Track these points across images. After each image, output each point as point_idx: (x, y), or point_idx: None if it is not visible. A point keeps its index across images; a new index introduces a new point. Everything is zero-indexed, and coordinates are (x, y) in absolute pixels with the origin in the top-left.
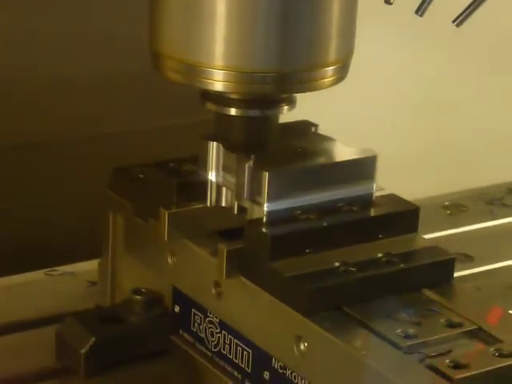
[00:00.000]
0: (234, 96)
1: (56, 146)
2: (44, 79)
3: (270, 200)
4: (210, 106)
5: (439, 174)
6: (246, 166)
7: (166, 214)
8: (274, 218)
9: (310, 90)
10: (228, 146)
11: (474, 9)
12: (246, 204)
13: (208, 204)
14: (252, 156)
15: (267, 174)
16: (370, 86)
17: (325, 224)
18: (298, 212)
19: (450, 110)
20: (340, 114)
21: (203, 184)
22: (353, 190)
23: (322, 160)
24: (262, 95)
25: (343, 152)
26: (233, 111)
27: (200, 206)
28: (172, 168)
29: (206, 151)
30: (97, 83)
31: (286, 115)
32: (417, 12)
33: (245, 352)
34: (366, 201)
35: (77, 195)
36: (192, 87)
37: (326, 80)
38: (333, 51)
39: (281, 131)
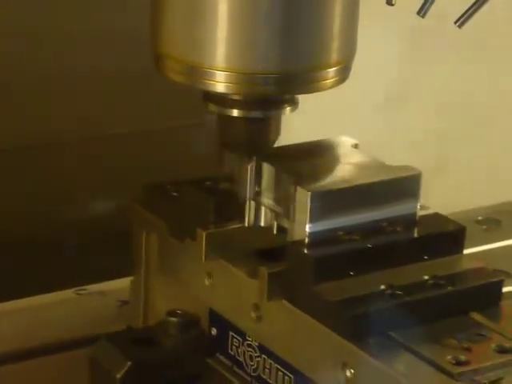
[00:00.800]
0: (236, 97)
1: (55, 147)
2: (42, 79)
3: (312, 220)
4: (212, 107)
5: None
6: (289, 183)
7: (203, 235)
8: (317, 240)
9: (311, 91)
10: (228, 147)
11: (476, 9)
12: (287, 224)
13: (246, 224)
14: (294, 175)
15: (310, 193)
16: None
17: (368, 245)
18: (341, 233)
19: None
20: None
21: (241, 203)
22: (396, 209)
23: (364, 179)
24: (265, 96)
25: (386, 170)
26: (235, 112)
27: (238, 225)
28: (208, 186)
29: (243, 169)
30: (97, 84)
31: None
32: (418, 13)
33: (286, 377)
34: (410, 220)
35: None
36: (194, 88)
37: (328, 81)
38: (335, 52)
39: (319, 148)
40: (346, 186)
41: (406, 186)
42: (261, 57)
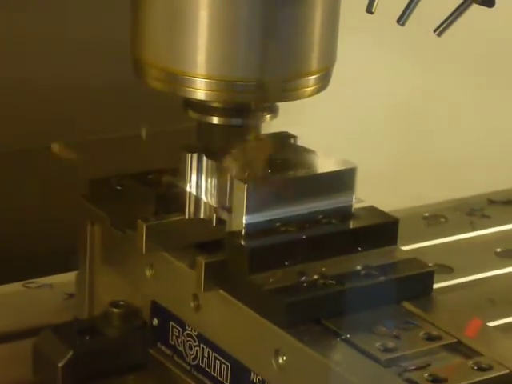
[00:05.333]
0: (216, 104)
1: (43, 152)
2: (32, 87)
3: (249, 212)
4: (192, 114)
5: (418, 186)
6: (227, 177)
7: (143, 226)
8: (253, 231)
9: (291, 99)
10: (209, 155)
11: (456, 18)
12: (225, 216)
13: (186, 216)
14: (232, 168)
15: (246, 185)
16: (351, 95)
17: (304, 236)
18: (278, 224)
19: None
20: (318, 125)
21: (182, 196)
22: (332, 201)
23: (301, 172)
24: (244, 104)
25: (323, 164)
26: (215, 120)
27: (178, 217)
28: (150, 179)
29: (184, 162)
30: (85, 90)
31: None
32: (398, 21)
33: (223, 365)
34: (346, 213)
35: (54, 204)
36: (174, 95)
37: (308, 89)
38: (314, 60)
39: (259, 142)
40: (283, 178)
41: (342, 179)
42: (241, 64)
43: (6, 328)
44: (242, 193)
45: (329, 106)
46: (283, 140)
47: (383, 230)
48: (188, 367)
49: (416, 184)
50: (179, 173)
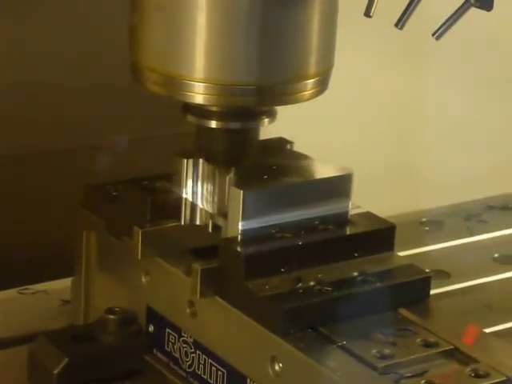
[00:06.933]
0: (214, 108)
1: (42, 157)
2: (29, 90)
3: (244, 218)
4: (190, 118)
5: (415, 191)
6: (223, 183)
7: (139, 232)
8: (249, 237)
9: (290, 103)
10: (207, 159)
11: (454, 21)
12: (221, 222)
13: (182, 222)
14: (231, 173)
15: (242, 192)
16: (346, 100)
17: (300, 243)
18: (274, 230)
19: (430, 125)
20: (314, 129)
21: (177, 202)
22: (328, 208)
23: (297, 178)
24: (243, 108)
25: (319, 170)
26: (213, 124)
27: (174, 224)
28: (146, 185)
29: (180, 168)
30: (84, 94)
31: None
32: (396, 25)
33: (219, 372)
34: (342, 219)
35: (51, 210)
36: (173, 99)
37: (306, 93)
38: (313, 64)
39: (257, 148)
40: (279, 184)
41: (338, 185)
42: (239, 68)
43: (1, 334)
44: (238, 199)
45: (326, 109)
46: (280, 146)
47: (380, 236)
48: (184, 374)
49: (413, 189)
50: (174, 178)
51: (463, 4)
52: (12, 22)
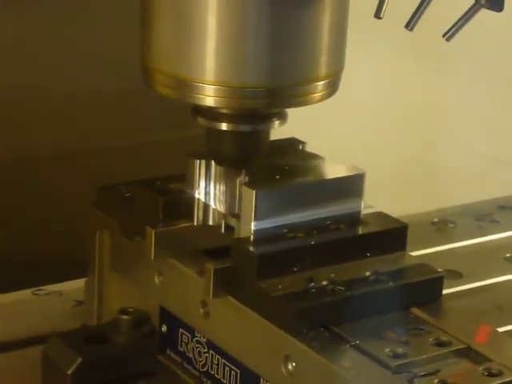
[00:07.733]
0: (225, 111)
1: (44, 161)
2: (31, 93)
3: (257, 218)
4: (201, 120)
5: (427, 190)
6: (236, 183)
7: (152, 233)
8: (262, 237)
9: (300, 105)
10: (218, 161)
11: (465, 22)
12: (233, 222)
13: (195, 222)
14: (242, 173)
15: (255, 192)
16: (357, 101)
17: (312, 242)
18: (286, 230)
19: (440, 126)
20: (325, 130)
21: (190, 202)
22: (341, 207)
23: (309, 178)
24: (253, 110)
25: (331, 170)
26: (224, 126)
27: (187, 224)
28: (159, 186)
29: (192, 169)
30: (85, 98)
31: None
32: (407, 26)
33: (233, 372)
34: (354, 219)
35: (64, 211)
36: (183, 102)
37: (316, 95)
38: (323, 66)
39: (268, 149)
40: (291, 184)
41: (350, 184)
42: (250, 71)
43: (15, 335)
44: (250, 199)
45: (338, 110)
46: (291, 146)
47: (392, 235)
48: (197, 374)
49: (424, 189)
50: (187, 179)
51: (473, 5)
52: (12, 22)
